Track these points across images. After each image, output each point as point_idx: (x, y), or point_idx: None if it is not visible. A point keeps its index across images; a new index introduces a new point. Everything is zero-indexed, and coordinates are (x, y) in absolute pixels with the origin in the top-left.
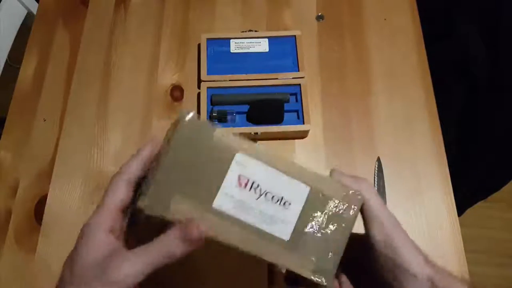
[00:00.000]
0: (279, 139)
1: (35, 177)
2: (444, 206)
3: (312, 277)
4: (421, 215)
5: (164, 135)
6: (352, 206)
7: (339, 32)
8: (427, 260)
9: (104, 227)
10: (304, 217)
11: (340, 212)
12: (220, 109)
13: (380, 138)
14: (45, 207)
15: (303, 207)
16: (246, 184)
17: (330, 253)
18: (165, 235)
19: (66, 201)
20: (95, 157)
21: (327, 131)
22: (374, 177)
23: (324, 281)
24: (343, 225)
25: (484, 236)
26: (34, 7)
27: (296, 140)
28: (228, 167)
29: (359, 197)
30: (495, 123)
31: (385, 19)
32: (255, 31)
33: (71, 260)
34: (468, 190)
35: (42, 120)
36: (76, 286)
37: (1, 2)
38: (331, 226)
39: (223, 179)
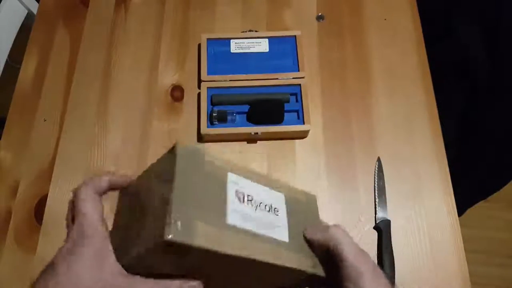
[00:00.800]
0: (279, 139)
1: (35, 177)
2: (444, 206)
3: (314, 271)
4: (421, 215)
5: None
6: (313, 201)
7: (339, 32)
8: None
9: (109, 249)
10: (290, 219)
11: (308, 208)
12: (220, 109)
13: (380, 138)
14: (45, 207)
15: (286, 211)
16: (243, 199)
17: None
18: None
19: (66, 201)
20: (95, 157)
21: (327, 131)
22: (374, 177)
23: (321, 272)
24: (313, 218)
25: (484, 236)
26: (34, 7)
27: (296, 140)
28: (226, 186)
29: (313, 194)
30: (495, 123)
31: (385, 19)
32: (255, 31)
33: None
34: (468, 190)
35: (42, 120)
36: None
37: (1, 2)
38: (307, 221)
39: (226, 197)
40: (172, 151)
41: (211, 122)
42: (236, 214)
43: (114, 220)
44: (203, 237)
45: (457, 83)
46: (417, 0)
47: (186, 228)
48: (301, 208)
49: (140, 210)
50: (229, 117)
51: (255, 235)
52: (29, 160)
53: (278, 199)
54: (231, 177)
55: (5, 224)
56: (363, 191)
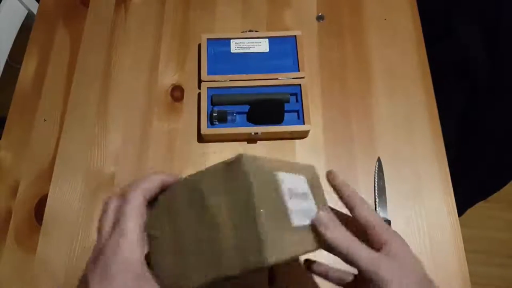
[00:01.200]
0: (279, 139)
1: (35, 177)
2: (444, 206)
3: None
4: (421, 215)
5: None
6: (313, 172)
7: (339, 32)
8: None
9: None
10: (314, 200)
11: (316, 187)
12: (221, 109)
13: (380, 138)
14: (45, 207)
15: (311, 193)
16: (292, 195)
17: None
18: None
19: (66, 201)
20: (95, 157)
21: (327, 131)
22: (374, 177)
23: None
24: (322, 195)
25: (484, 236)
26: (34, 7)
27: (296, 140)
28: (280, 187)
29: (314, 170)
30: (495, 123)
31: (385, 19)
32: (256, 31)
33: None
34: (468, 190)
35: (42, 120)
36: None
37: (1, 2)
38: (319, 200)
39: (283, 199)
40: (239, 165)
41: (211, 122)
42: (294, 214)
43: (148, 237)
44: (292, 247)
45: (457, 83)
46: (417, 0)
47: (279, 244)
48: (315, 185)
49: (200, 230)
50: (229, 117)
51: (307, 227)
52: (29, 160)
53: (303, 183)
54: (278, 176)
55: (5, 224)
56: (363, 191)
